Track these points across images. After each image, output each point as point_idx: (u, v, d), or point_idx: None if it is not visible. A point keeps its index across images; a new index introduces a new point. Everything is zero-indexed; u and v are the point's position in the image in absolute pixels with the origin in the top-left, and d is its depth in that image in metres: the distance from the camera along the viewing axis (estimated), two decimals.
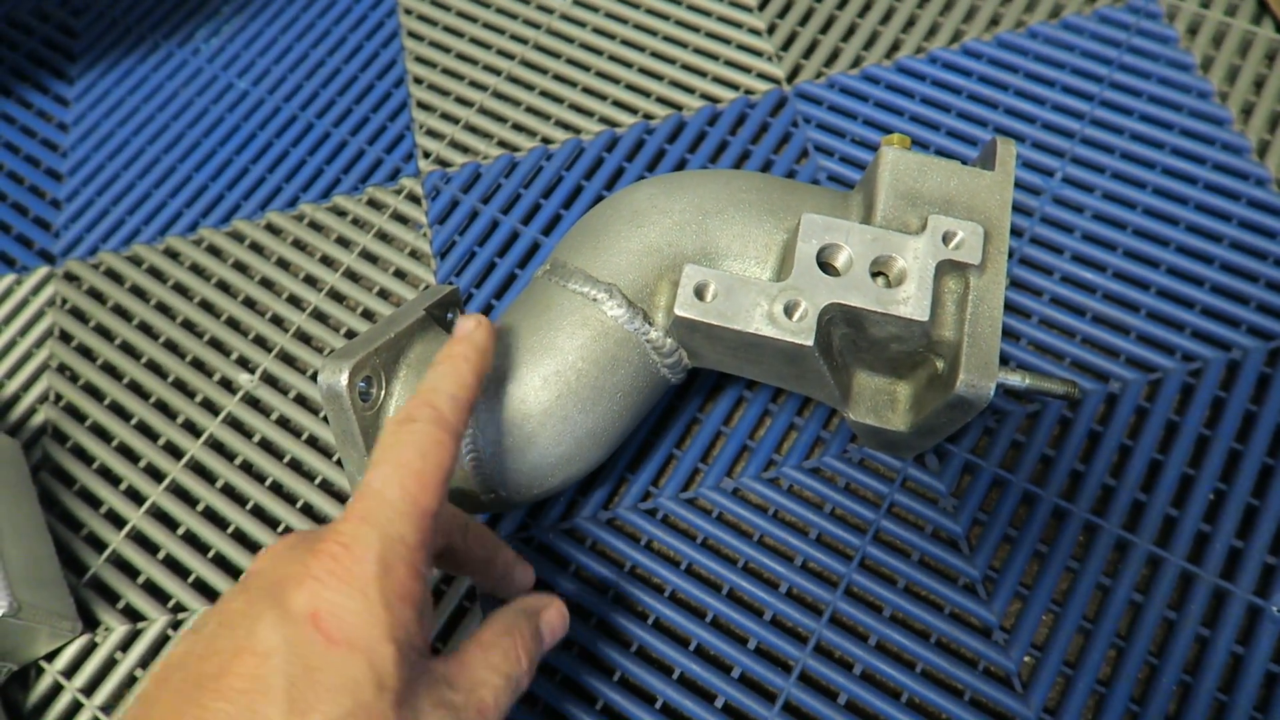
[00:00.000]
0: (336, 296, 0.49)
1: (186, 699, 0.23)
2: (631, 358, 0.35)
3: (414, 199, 0.51)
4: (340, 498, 0.44)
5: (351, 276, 0.50)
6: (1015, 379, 0.33)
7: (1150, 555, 0.39)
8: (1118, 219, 0.46)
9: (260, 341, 0.49)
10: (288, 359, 0.48)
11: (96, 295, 0.51)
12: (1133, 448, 0.41)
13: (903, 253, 0.32)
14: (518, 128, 0.53)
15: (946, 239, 0.32)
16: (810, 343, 0.31)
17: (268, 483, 0.45)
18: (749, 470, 0.42)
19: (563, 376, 0.34)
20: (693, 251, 0.35)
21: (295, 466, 0.45)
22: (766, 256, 0.35)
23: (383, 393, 0.34)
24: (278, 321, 0.49)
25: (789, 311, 0.31)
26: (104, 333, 0.50)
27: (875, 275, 0.32)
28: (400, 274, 0.49)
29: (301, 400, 0.47)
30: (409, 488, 0.26)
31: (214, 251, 0.52)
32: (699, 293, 0.32)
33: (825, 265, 0.33)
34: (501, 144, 0.52)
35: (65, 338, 0.50)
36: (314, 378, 0.47)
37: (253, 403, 0.47)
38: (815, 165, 0.49)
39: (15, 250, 0.53)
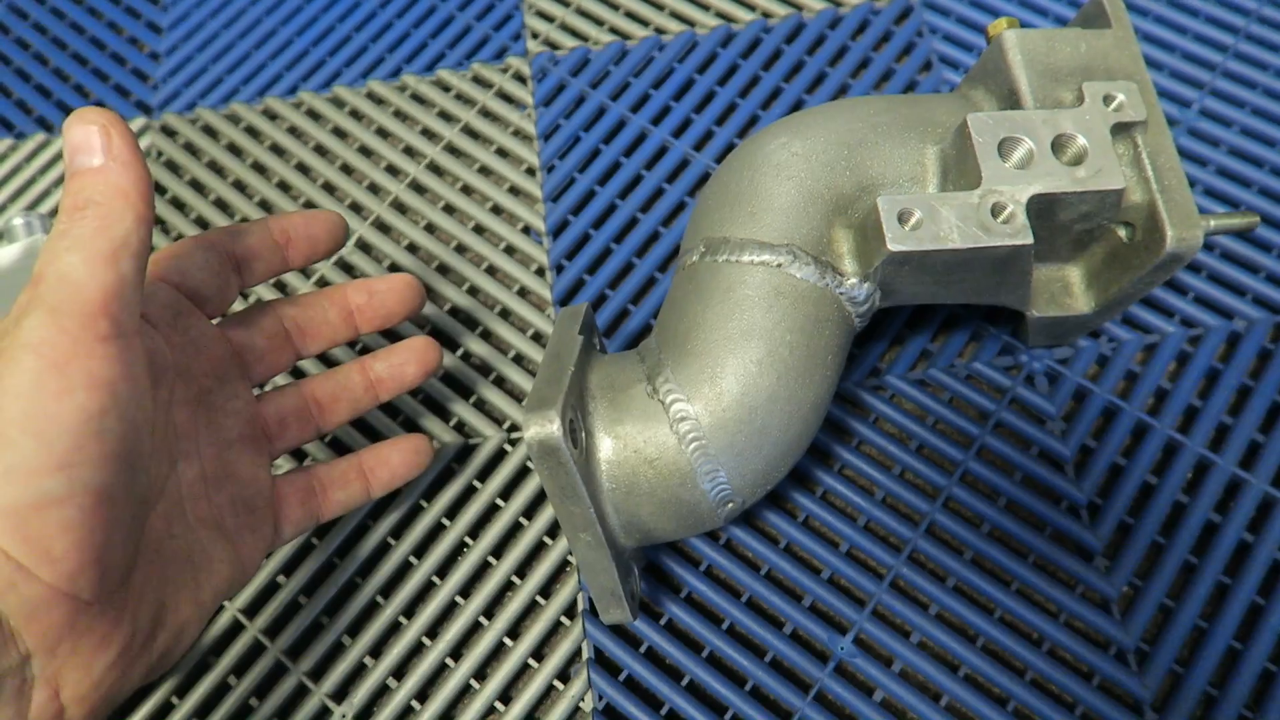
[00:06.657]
0: (436, 170, 0.48)
1: None
2: (831, 315, 0.32)
3: (520, 79, 0.50)
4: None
5: (453, 151, 0.49)
6: (1203, 224, 0.32)
7: (1264, 496, 0.38)
8: (1255, 156, 0.44)
9: (356, 208, 0.48)
10: (383, 227, 0.47)
11: (192, 150, 0.50)
12: (1253, 388, 0.40)
13: (1076, 128, 0.31)
14: (630, 15, 0.51)
15: (1107, 102, 0.31)
16: (1031, 240, 0.30)
17: (357, 348, 0.44)
18: (853, 376, 0.41)
19: (776, 355, 0.31)
20: (851, 189, 0.33)
21: (389, 334, 0.45)
22: (922, 174, 0.33)
23: (582, 432, 0.30)
24: (374, 190, 0.48)
25: (996, 215, 0.30)
26: (198, 188, 0.49)
27: (1057, 157, 0.31)
28: (503, 152, 0.48)
29: (395, 269, 0.46)
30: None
31: (313, 115, 0.51)
32: (902, 221, 0.30)
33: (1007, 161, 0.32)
34: (613, 30, 0.51)
35: (160, 189, 0.49)
36: (411, 248, 0.46)
37: (346, 268, 0.46)
38: (939, 78, 0.47)
39: (112, 99, 0.52)
